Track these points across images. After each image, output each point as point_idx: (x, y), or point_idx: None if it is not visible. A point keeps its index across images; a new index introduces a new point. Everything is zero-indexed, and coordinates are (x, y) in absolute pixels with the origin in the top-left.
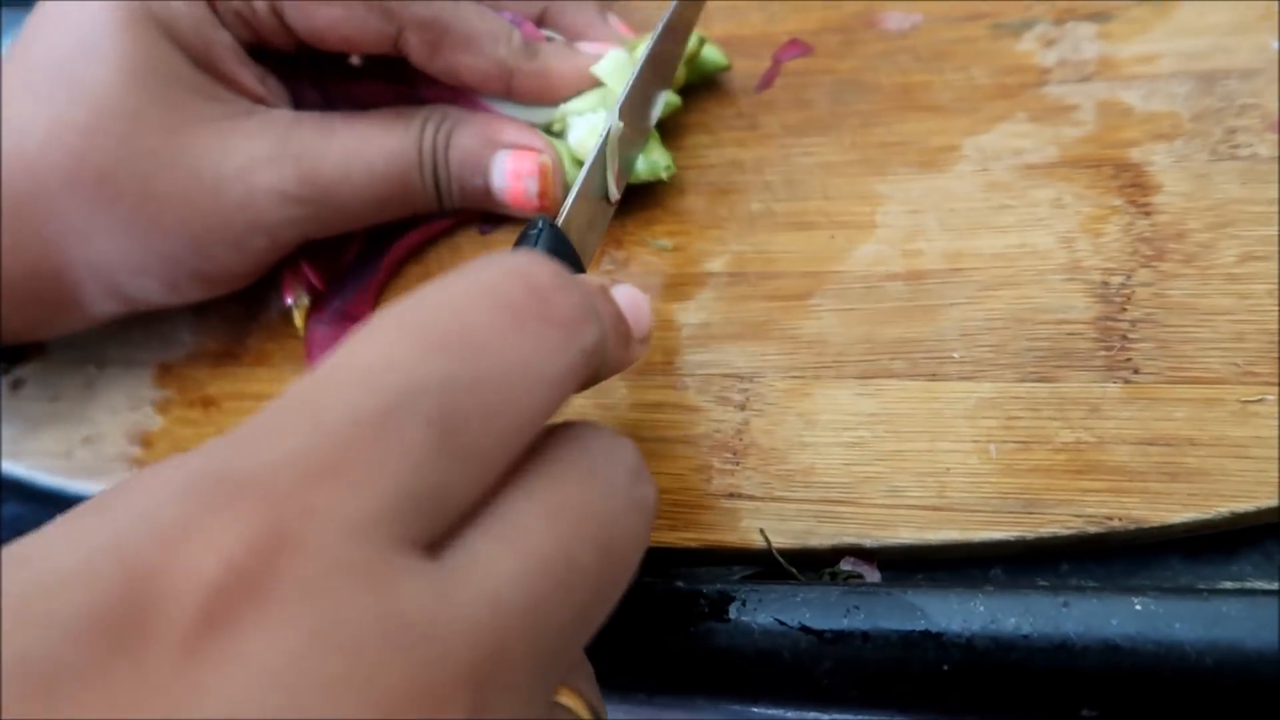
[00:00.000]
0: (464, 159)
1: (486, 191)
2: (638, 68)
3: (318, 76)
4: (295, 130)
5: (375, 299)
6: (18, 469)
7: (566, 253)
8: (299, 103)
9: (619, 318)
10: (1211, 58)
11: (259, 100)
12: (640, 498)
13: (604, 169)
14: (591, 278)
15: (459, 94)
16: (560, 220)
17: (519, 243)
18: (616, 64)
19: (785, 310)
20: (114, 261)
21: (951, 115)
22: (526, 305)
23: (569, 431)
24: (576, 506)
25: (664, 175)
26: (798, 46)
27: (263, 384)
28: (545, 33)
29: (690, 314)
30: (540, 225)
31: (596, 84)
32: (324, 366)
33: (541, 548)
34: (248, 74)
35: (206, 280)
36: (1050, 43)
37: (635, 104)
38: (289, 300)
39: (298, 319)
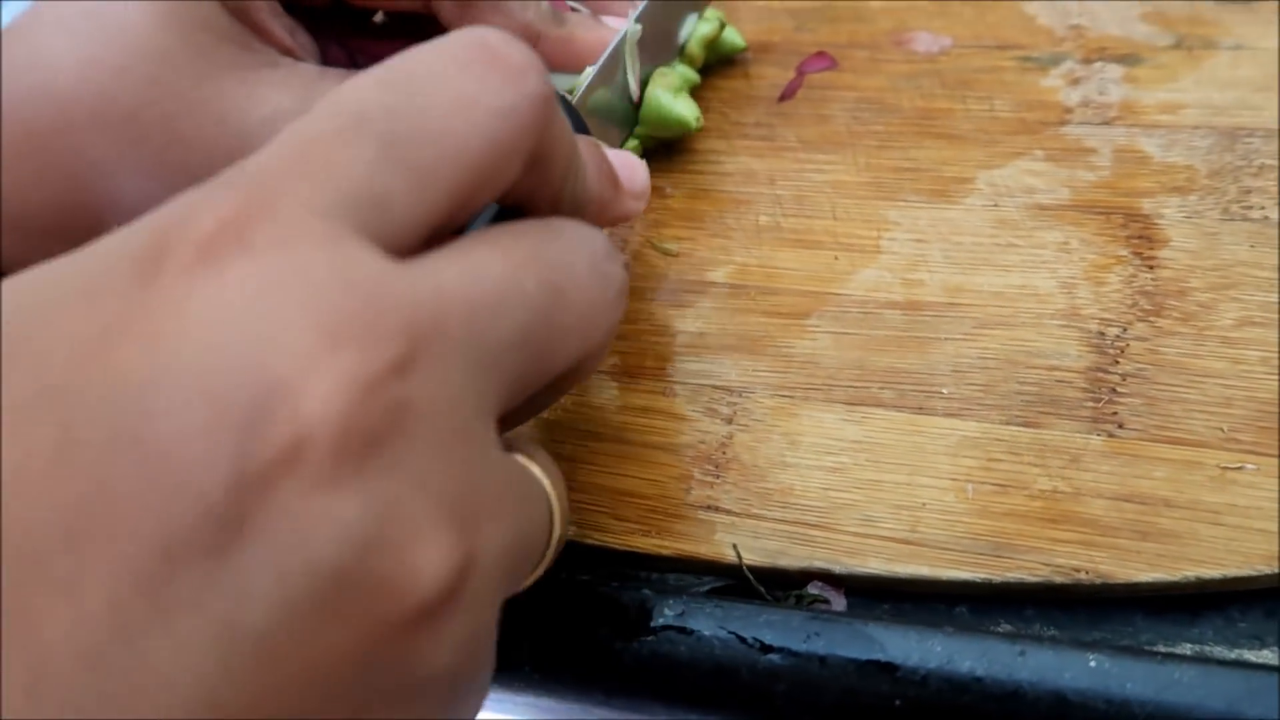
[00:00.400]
0: None
1: None
2: None
3: (342, 34)
4: (320, 84)
5: None
6: None
7: (580, 128)
8: (324, 59)
9: (601, 158)
10: (1236, 113)
11: (287, 52)
12: (605, 271)
13: (623, 68)
14: (587, 136)
15: None
16: (575, 99)
17: None
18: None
19: (782, 328)
20: (140, 202)
21: (968, 146)
22: (473, 54)
23: (537, 218)
24: (530, 249)
25: (694, 125)
26: (824, 59)
27: None
28: (571, 4)
29: (688, 321)
30: (560, 99)
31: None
32: (312, 109)
33: (489, 267)
34: (279, 26)
35: None
36: (1076, 81)
37: (657, 14)
38: None
39: None
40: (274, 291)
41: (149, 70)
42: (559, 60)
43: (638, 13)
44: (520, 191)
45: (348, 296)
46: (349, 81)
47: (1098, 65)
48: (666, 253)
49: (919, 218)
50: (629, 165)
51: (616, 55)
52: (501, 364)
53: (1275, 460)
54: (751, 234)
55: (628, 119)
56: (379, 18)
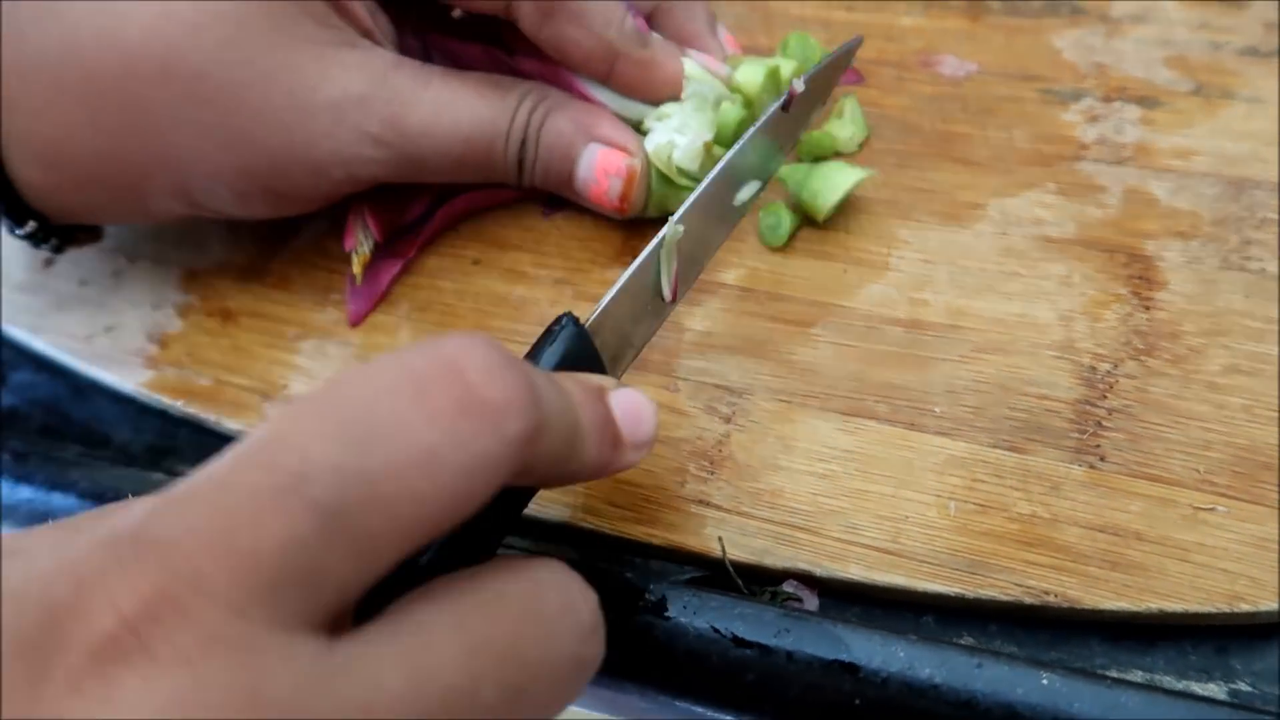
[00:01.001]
0: (555, 142)
1: (570, 179)
2: (718, 167)
3: (420, 25)
4: (393, 73)
5: (423, 245)
6: (37, 343)
7: (586, 354)
8: (399, 47)
9: (606, 419)
10: (1246, 164)
11: (366, 33)
12: (584, 658)
13: (657, 270)
14: (594, 378)
15: (557, 74)
16: (590, 320)
17: (542, 337)
18: (708, 82)
19: (786, 334)
20: (190, 163)
21: (984, 172)
22: (444, 392)
23: (529, 566)
24: (503, 646)
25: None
26: (851, 74)
27: (280, 307)
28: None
29: (697, 320)
30: (564, 324)
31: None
32: (250, 439)
33: (443, 675)
34: (360, 5)
35: (277, 199)
36: (1094, 118)
37: (707, 205)
38: (349, 246)
39: (356, 266)
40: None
41: (224, 32)
42: (634, 84)
43: (680, 213)
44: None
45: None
46: (302, 409)
47: (1117, 105)
48: None
49: (929, 239)
50: (636, 414)
51: (651, 259)
52: None
53: (1246, 504)
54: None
55: (658, 319)
56: (457, 13)
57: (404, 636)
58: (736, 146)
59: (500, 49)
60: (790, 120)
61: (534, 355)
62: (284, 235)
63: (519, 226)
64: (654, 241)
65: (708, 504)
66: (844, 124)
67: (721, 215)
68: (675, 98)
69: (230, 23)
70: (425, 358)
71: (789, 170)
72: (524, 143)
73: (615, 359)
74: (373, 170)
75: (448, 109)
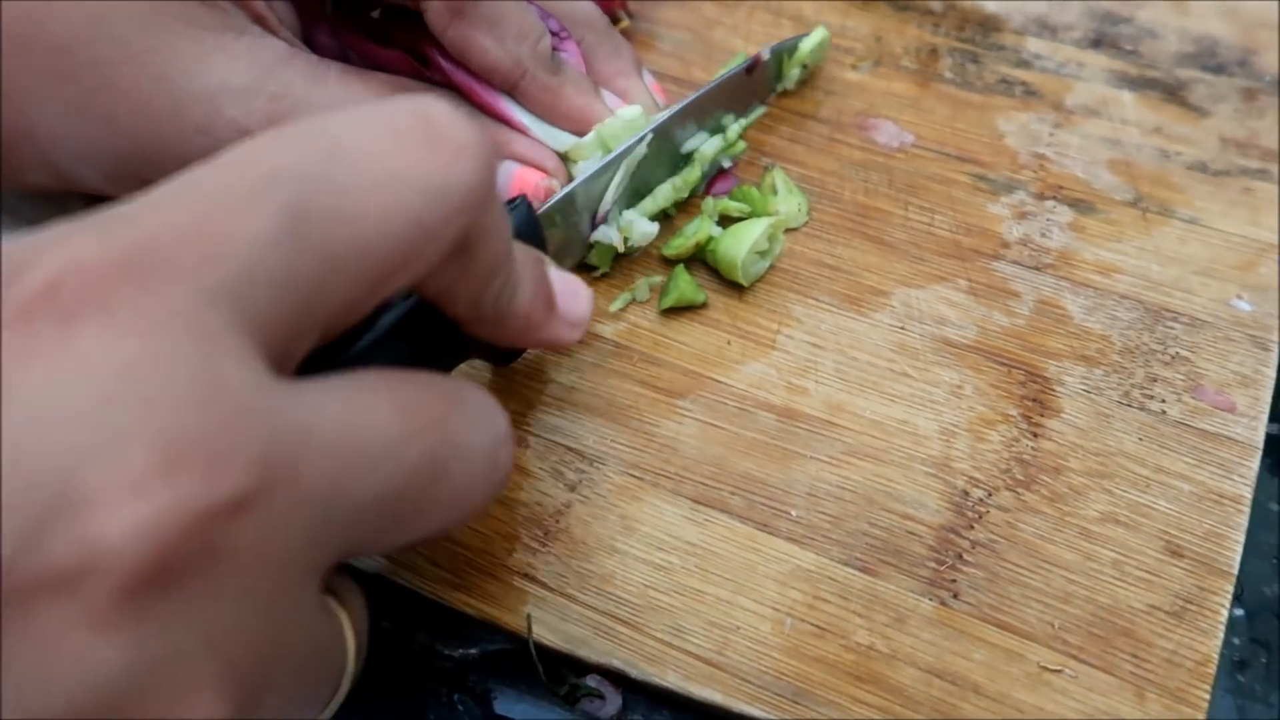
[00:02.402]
0: None
1: None
2: (678, 105)
3: (338, 24)
4: (283, 68)
5: None
6: None
7: (535, 236)
8: (314, 46)
9: (542, 277)
10: (1169, 293)
11: (259, 19)
12: (498, 458)
13: (605, 184)
14: (533, 251)
15: (482, 89)
16: (543, 208)
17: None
18: (627, 124)
19: (653, 403)
20: (55, 140)
21: (896, 256)
22: (412, 127)
23: (450, 379)
24: (431, 418)
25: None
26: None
27: None
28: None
29: (563, 372)
30: (517, 204)
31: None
32: (223, 152)
33: (378, 420)
34: None
35: (160, 173)
36: (1023, 215)
37: (672, 131)
38: None
39: None
40: (119, 381)
41: (92, 5)
42: (536, 109)
43: (650, 128)
44: (441, 281)
45: (202, 414)
46: (270, 133)
47: (1050, 204)
48: None
49: (824, 321)
50: (572, 291)
51: (609, 169)
52: (351, 525)
53: (1096, 671)
54: (654, 297)
55: (582, 241)
56: (376, 13)
57: (344, 386)
58: (698, 93)
59: (423, 61)
60: (749, 85)
61: None
62: None
63: None
64: (617, 150)
65: (532, 579)
66: (784, 198)
67: (668, 160)
68: (578, 132)
69: None
70: (395, 103)
71: (712, 242)
72: None
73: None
74: None
75: (348, 106)
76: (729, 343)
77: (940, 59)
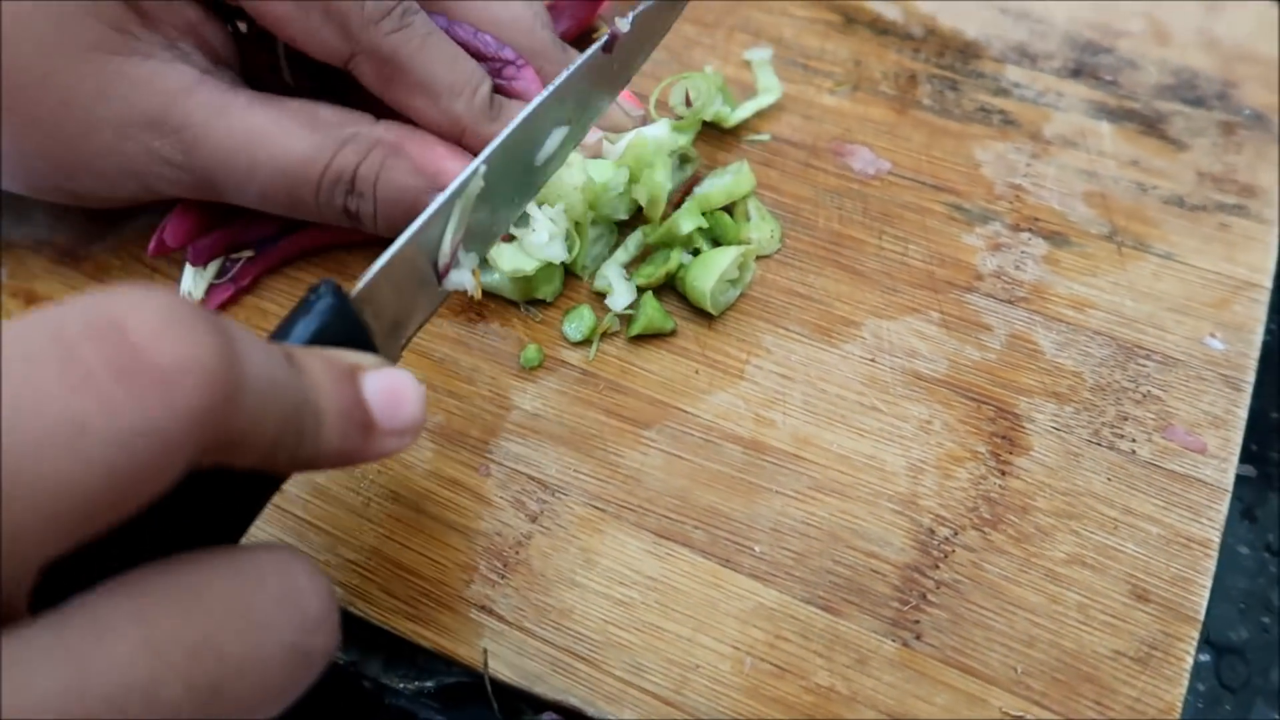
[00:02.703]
0: (398, 198)
1: None
2: (523, 113)
3: (299, 84)
4: (188, 96)
5: (261, 275)
6: None
7: (348, 328)
8: (243, 63)
9: (354, 402)
10: (1142, 330)
11: (174, 45)
12: (307, 650)
13: (441, 230)
14: (346, 355)
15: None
16: (356, 291)
17: (296, 308)
18: (655, 141)
19: (618, 432)
20: None
21: (868, 286)
22: (97, 354)
23: (249, 554)
24: (194, 641)
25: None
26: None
27: None
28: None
29: (527, 398)
30: (320, 293)
31: None
32: None
33: (113, 674)
34: (171, 17)
35: (77, 198)
36: (998, 247)
37: (508, 157)
38: (151, 252)
39: (198, 291)
40: None
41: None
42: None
43: (484, 157)
44: (213, 464)
45: None
46: None
47: (1025, 236)
48: (530, 318)
49: (793, 351)
50: (394, 399)
51: (440, 214)
52: None
53: (1056, 718)
54: (615, 320)
55: (435, 298)
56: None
57: (74, 630)
58: (550, 89)
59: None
60: (612, 64)
61: (285, 328)
62: (114, 219)
63: (365, 257)
64: (447, 192)
65: (490, 611)
66: (756, 225)
67: (521, 175)
68: None
69: (9, 20)
70: (81, 315)
71: (681, 270)
72: (351, 192)
73: (389, 336)
74: (172, 189)
75: (246, 144)
76: (697, 372)
77: (919, 85)
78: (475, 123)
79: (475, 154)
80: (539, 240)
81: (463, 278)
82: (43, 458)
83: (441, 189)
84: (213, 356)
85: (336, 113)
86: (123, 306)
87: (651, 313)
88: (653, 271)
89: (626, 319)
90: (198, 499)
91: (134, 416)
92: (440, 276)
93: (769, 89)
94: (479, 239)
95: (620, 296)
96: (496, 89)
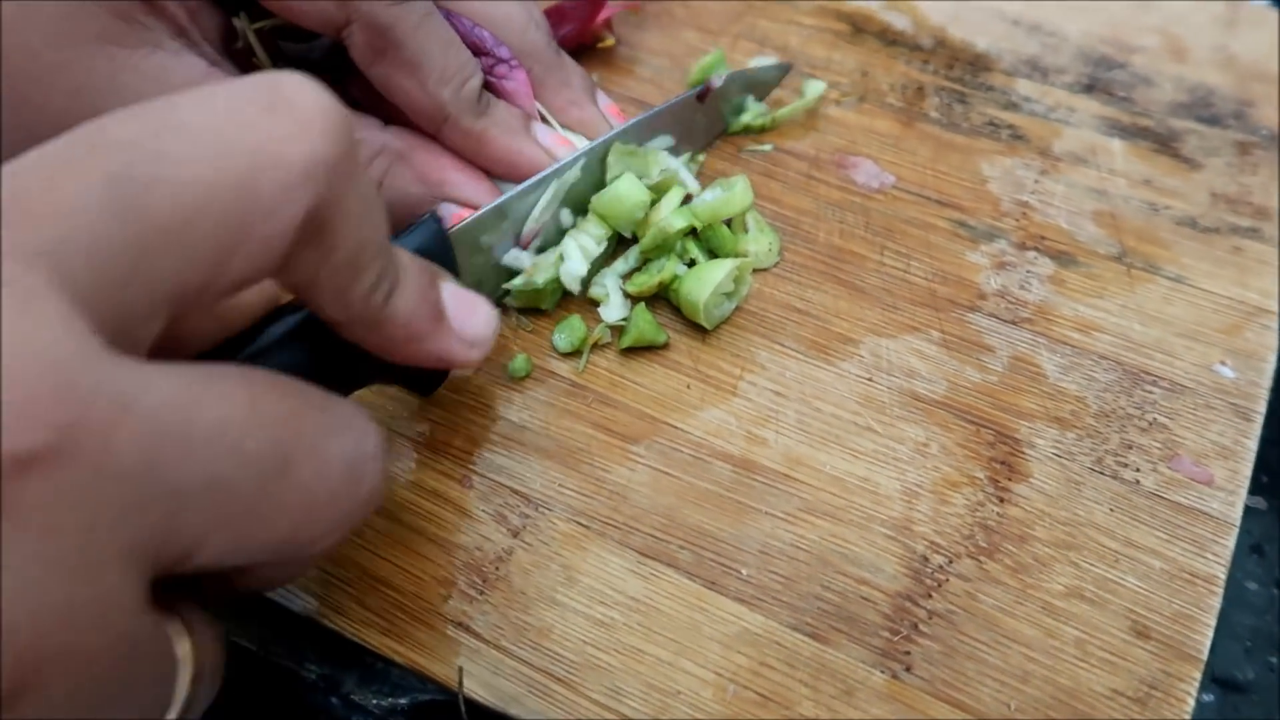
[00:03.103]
0: (400, 201)
1: None
2: (617, 129)
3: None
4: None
5: None
6: None
7: (443, 255)
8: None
9: (430, 286)
10: (1149, 355)
11: (180, 33)
12: (360, 472)
13: (529, 207)
14: (434, 266)
15: None
16: (455, 228)
17: (400, 230)
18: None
19: (605, 447)
20: None
21: (868, 303)
22: (253, 96)
23: (322, 390)
24: (282, 413)
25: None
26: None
27: None
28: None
29: (514, 409)
30: (427, 218)
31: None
32: (77, 127)
33: (216, 402)
34: (176, 5)
35: None
36: (1003, 265)
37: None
38: None
39: None
40: None
41: (9, 17)
42: (461, 151)
43: (581, 155)
44: (301, 271)
45: (5, 366)
46: (122, 110)
47: (1031, 255)
48: (522, 326)
49: (788, 368)
50: (470, 308)
51: (535, 190)
52: (172, 511)
53: None
54: (607, 330)
55: (504, 265)
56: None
57: (190, 370)
58: (644, 115)
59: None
60: (700, 113)
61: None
62: None
63: None
64: (541, 173)
65: (467, 628)
66: (754, 237)
67: (586, 192)
68: (509, 175)
69: (16, 9)
70: (253, 76)
71: (676, 280)
72: None
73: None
74: None
75: None
76: (689, 386)
77: (926, 97)
78: (459, 113)
79: (454, 148)
80: (575, 269)
81: (521, 257)
82: (198, 162)
83: (444, 199)
84: (339, 118)
85: (355, 118)
86: (281, 75)
87: (643, 325)
88: (645, 280)
89: (619, 330)
90: (305, 352)
91: (273, 141)
92: (523, 245)
93: (813, 90)
94: (556, 227)
95: (614, 308)
96: (486, 86)
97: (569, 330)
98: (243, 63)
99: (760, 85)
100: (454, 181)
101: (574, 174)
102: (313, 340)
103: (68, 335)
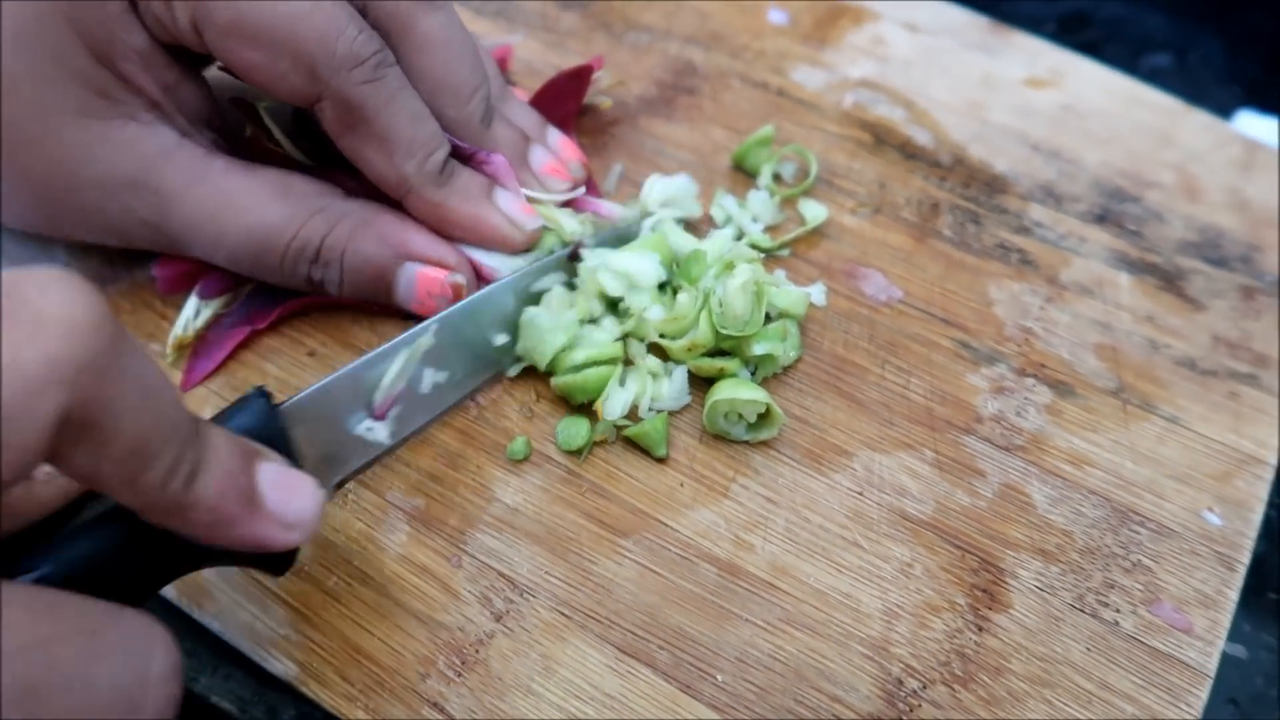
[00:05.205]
0: (363, 267)
1: (389, 298)
2: (484, 291)
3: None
4: (165, 163)
5: (278, 320)
6: None
7: (274, 435)
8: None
9: (241, 470)
10: (1139, 495)
11: (153, 105)
12: (139, 700)
13: (380, 374)
14: (252, 444)
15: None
16: (286, 403)
17: (230, 406)
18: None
19: (595, 539)
20: None
21: (866, 417)
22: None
23: (112, 605)
24: (30, 641)
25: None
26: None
27: None
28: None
29: (510, 492)
30: (251, 396)
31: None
32: None
33: None
34: (150, 80)
35: (72, 236)
36: (1001, 390)
37: (459, 326)
38: (163, 288)
39: (171, 346)
40: None
41: None
42: (424, 220)
43: (437, 319)
44: (79, 466)
45: None
46: None
47: (1030, 382)
48: (524, 413)
49: (781, 475)
50: (290, 488)
51: (384, 358)
52: None
53: None
54: (614, 427)
55: (367, 437)
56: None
57: None
58: (510, 277)
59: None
60: (571, 270)
61: (216, 420)
62: (132, 261)
63: (369, 327)
64: (394, 340)
65: (441, 710)
66: (787, 346)
67: (478, 352)
68: (472, 241)
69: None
70: None
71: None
72: (315, 261)
73: (320, 465)
74: (148, 245)
75: (215, 212)
76: (682, 484)
77: (941, 214)
78: (421, 185)
79: (417, 216)
80: (674, 393)
81: (381, 434)
82: None
83: (407, 258)
84: (87, 316)
85: (310, 183)
86: (28, 275)
87: (657, 428)
88: (709, 365)
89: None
90: (114, 538)
91: (10, 345)
92: (375, 418)
93: (815, 215)
94: (422, 407)
95: (616, 406)
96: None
97: (574, 430)
98: (260, 148)
99: (628, 240)
100: (417, 242)
101: (427, 339)
102: (125, 525)
103: None
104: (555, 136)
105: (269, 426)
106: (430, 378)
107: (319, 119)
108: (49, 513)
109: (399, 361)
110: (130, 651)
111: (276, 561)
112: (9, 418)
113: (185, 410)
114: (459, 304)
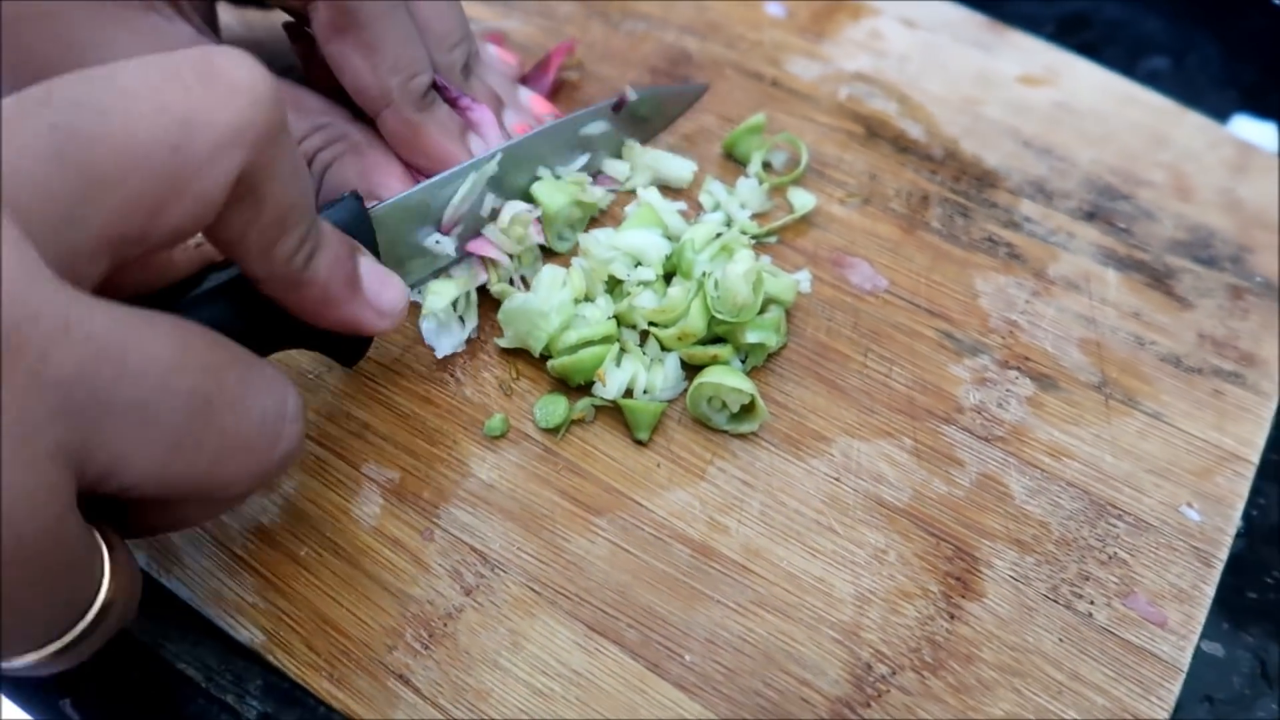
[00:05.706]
0: (339, 188)
1: None
2: (539, 129)
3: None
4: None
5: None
6: None
7: (364, 233)
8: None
9: (348, 256)
10: (1118, 489)
11: (174, 2)
12: (276, 430)
13: (449, 194)
14: (347, 236)
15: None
16: (375, 207)
17: (324, 205)
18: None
19: (569, 516)
20: None
21: (846, 404)
22: (189, 66)
23: (242, 350)
24: (208, 363)
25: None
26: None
27: None
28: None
29: (485, 468)
30: (347, 196)
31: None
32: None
33: (152, 343)
34: None
35: None
36: (983, 381)
37: (533, 152)
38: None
39: None
40: None
41: None
42: (394, 139)
43: (500, 149)
44: (231, 228)
45: None
46: (73, 74)
47: (1012, 374)
48: (504, 390)
49: (759, 458)
50: (384, 281)
51: (457, 178)
52: (100, 423)
53: None
54: (591, 409)
55: (433, 251)
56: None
57: (131, 311)
58: (559, 120)
59: None
60: (615, 122)
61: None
62: None
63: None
64: (465, 163)
65: (407, 682)
66: (776, 336)
67: (524, 185)
68: (432, 170)
69: None
70: (187, 52)
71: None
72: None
73: (393, 269)
74: None
75: None
76: (659, 465)
77: (930, 207)
78: (402, 101)
79: (388, 134)
80: (668, 382)
81: (444, 243)
82: (136, 121)
83: (375, 199)
84: (269, 91)
85: (320, 101)
86: (219, 47)
87: (650, 412)
88: (700, 354)
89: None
90: (234, 305)
91: (204, 108)
92: (442, 233)
93: (803, 203)
94: (476, 224)
95: (614, 384)
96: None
97: (551, 408)
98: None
99: (673, 102)
100: (390, 189)
101: (492, 166)
102: (238, 298)
103: (18, 257)
104: (526, 95)
105: (361, 225)
106: (490, 201)
107: (310, 19)
108: (178, 281)
109: (467, 184)
110: (274, 389)
111: (352, 351)
112: (202, 168)
113: (312, 197)
114: (518, 138)
